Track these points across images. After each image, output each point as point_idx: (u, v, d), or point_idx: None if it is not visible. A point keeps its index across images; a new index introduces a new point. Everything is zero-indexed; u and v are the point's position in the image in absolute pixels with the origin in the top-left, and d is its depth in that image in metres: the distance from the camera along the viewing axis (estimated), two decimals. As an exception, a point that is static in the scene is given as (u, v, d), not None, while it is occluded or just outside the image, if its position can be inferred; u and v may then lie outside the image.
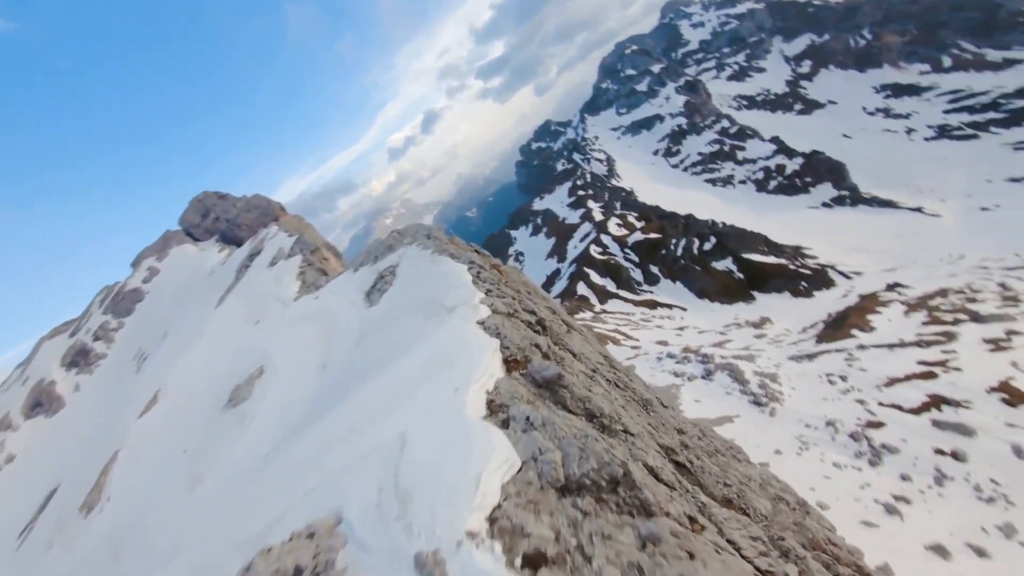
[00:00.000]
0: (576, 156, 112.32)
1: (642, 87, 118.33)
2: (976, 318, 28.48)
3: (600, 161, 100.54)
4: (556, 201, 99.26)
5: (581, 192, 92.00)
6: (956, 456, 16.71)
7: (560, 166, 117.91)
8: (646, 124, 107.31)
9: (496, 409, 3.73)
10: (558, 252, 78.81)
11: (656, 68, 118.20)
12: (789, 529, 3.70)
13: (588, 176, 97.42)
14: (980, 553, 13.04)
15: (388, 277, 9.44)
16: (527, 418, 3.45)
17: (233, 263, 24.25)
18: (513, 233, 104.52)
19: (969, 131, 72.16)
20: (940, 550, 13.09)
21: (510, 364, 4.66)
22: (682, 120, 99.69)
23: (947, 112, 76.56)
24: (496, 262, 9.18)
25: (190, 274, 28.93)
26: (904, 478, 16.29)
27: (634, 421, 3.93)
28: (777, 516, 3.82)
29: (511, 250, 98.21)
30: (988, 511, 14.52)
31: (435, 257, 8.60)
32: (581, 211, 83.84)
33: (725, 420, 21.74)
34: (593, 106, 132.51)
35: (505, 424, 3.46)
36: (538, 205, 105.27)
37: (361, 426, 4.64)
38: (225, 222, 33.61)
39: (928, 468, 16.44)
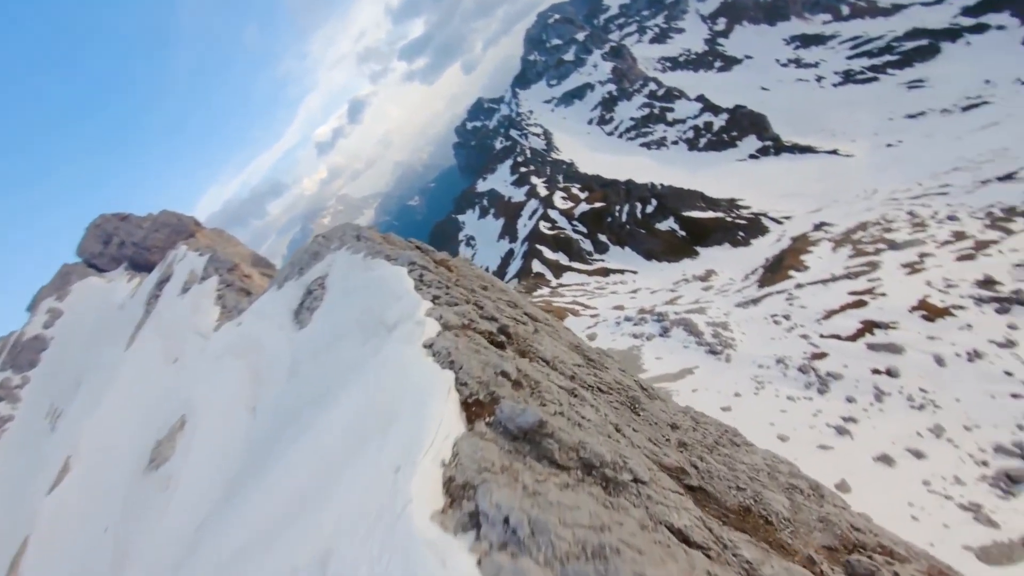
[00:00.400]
0: (513, 132, 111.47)
1: (569, 56, 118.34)
2: (893, 246, 31.20)
3: (537, 135, 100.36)
4: (499, 180, 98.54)
5: (523, 169, 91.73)
6: (890, 373, 18.38)
7: (499, 144, 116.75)
8: (577, 94, 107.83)
9: (458, 495, 2.63)
10: (509, 232, 78.68)
11: (580, 36, 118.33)
12: (815, 530, 3.32)
13: (528, 152, 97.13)
14: (918, 455, 14.51)
15: (317, 291, 8.28)
16: (505, 519, 2.35)
17: (142, 294, 21.78)
18: (461, 218, 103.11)
19: (870, 75, 77.87)
20: (886, 459, 14.44)
21: (471, 409, 3.47)
22: (612, 87, 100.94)
23: (849, 58, 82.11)
24: (443, 257, 8.20)
25: (98, 311, 25.84)
26: (849, 400, 17.75)
27: (638, 456, 3.16)
28: (798, 514, 3.43)
29: (461, 235, 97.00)
30: (921, 417, 16.14)
31: (368, 262, 7.52)
32: (525, 188, 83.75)
33: (686, 372, 22.76)
34: (523, 80, 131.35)
35: (475, 523, 2.41)
36: (482, 186, 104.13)
37: (280, 527, 3.57)
38: (132, 246, 30.19)
39: (868, 388, 17.99)
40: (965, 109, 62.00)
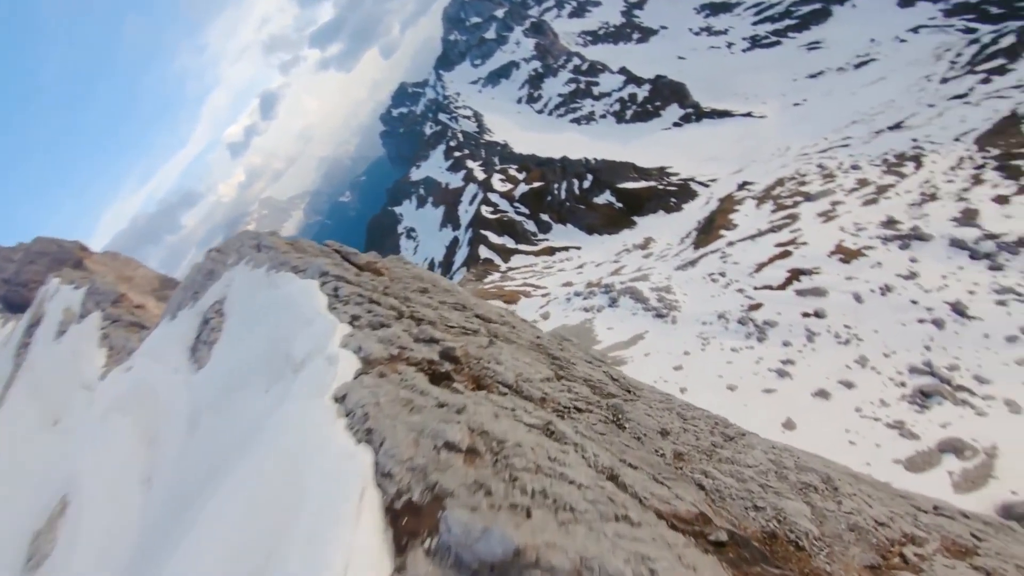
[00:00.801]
0: (442, 116, 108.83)
1: (490, 34, 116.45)
2: (808, 198, 33.72)
3: (468, 118, 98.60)
4: (434, 167, 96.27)
5: (457, 153, 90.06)
6: (817, 315, 19.96)
7: (428, 129, 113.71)
8: (503, 73, 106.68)
9: None
10: (451, 220, 77.36)
11: (500, 12, 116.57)
12: (850, 543, 2.86)
13: (460, 135, 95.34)
14: (849, 386, 15.91)
15: (214, 320, 6.82)
16: None
17: (10, 344, 17.70)
18: (398, 210, 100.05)
19: (774, 39, 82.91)
20: (823, 394, 15.72)
21: (401, 521, 2.25)
22: (536, 64, 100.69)
23: (754, 24, 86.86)
24: (370, 259, 6.92)
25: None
26: (785, 344, 19.12)
27: (661, 548, 2.19)
28: (824, 524, 2.96)
29: (401, 228, 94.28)
30: (847, 351, 17.69)
31: (272, 277, 6.26)
32: (462, 173, 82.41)
33: (637, 338, 23.56)
34: (446, 61, 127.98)
35: None
36: (416, 175, 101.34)
37: None
38: (3, 284, 25.94)
39: (800, 331, 19.45)
40: (857, 67, 67.69)
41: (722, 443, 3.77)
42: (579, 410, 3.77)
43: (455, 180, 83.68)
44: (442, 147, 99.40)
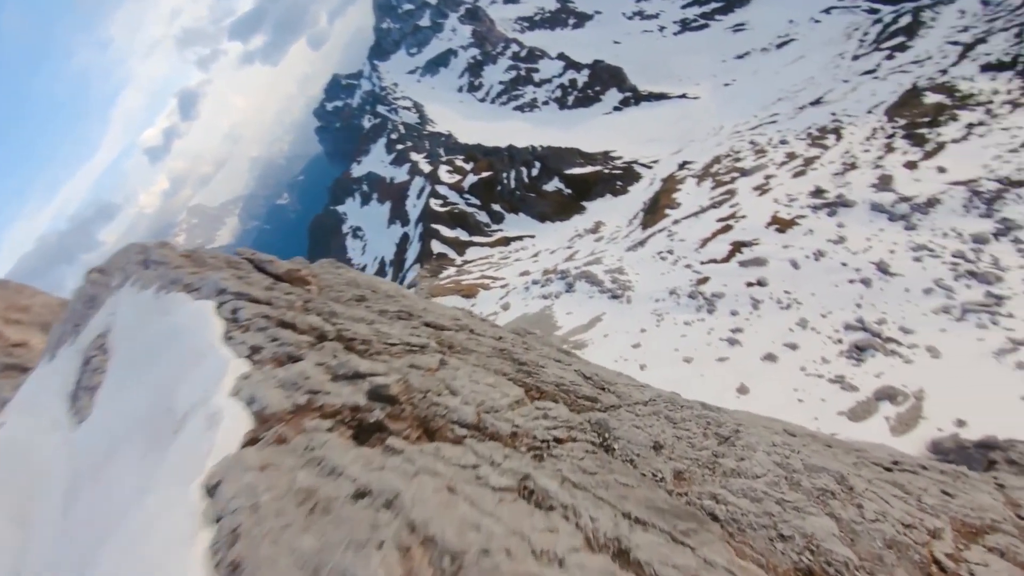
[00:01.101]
0: (381, 108, 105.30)
1: (425, 22, 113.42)
2: (743, 173, 35.42)
3: (408, 109, 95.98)
4: (376, 162, 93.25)
5: (400, 146, 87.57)
6: (760, 283, 21.05)
7: (367, 123, 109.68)
8: (441, 61, 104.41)
9: None
10: (399, 216, 75.34)
11: None
12: (892, 565, 2.52)
13: (401, 127, 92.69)
14: (793, 347, 16.90)
15: (97, 358, 5.46)
16: None
17: None
18: (341, 209, 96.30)
19: (702, 22, 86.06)
20: (771, 357, 16.60)
21: None
22: (475, 51, 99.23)
23: (684, 7, 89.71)
24: (293, 267, 5.78)
25: None
26: (733, 314, 20.05)
27: None
28: (858, 542, 2.59)
29: (346, 228, 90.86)
30: (789, 315, 18.78)
31: (162, 300, 5.09)
32: (406, 166, 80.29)
33: (596, 320, 23.96)
34: (380, 51, 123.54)
35: None
36: (358, 171, 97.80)
37: None
38: None
39: (746, 300, 20.45)
40: (778, 47, 71.61)
41: (721, 449, 3.32)
42: (559, 441, 3.08)
43: (400, 174, 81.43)
44: (383, 140, 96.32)
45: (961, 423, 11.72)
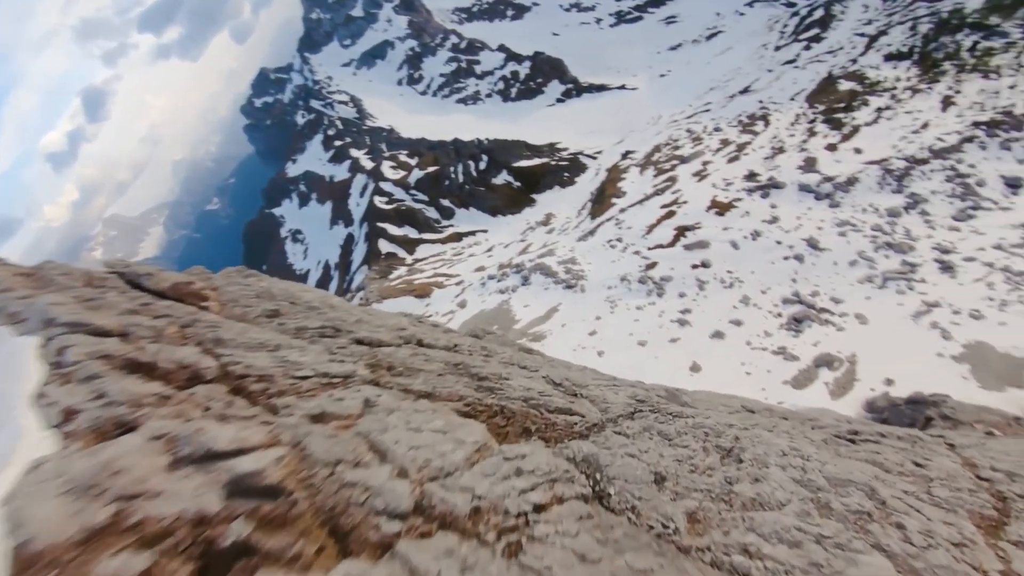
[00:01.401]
0: (315, 103, 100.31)
1: (357, 12, 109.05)
2: (683, 160, 36.79)
3: (345, 103, 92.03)
4: (313, 160, 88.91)
5: (338, 143, 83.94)
6: (704, 265, 21.93)
7: (300, 119, 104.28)
8: (378, 53, 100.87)
9: None
10: (341, 216, 72.30)
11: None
12: None
13: (338, 123, 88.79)
14: (738, 324, 17.73)
15: None
16: None
17: None
18: (277, 212, 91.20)
19: (636, 14, 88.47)
20: (718, 334, 17.32)
21: None
22: (412, 43, 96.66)
23: (618, 0, 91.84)
24: (182, 280, 4.53)
25: None
26: (681, 296, 20.77)
27: None
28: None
29: (284, 231, 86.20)
30: (732, 293, 19.69)
31: None
32: (347, 163, 77.12)
33: (552, 312, 24.08)
34: (310, 42, 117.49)
35: None
36: (293, 170, 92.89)
37: None
38: None
39: (692, 282, 21.24)
40: (708, 38, 74.95)
41: (730, 470, 2.80)
42: (541, 508, 2.22)
43: (340, 172, 78.14)
44: (319, 137, 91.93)
45: (890, 382, 12.73)
